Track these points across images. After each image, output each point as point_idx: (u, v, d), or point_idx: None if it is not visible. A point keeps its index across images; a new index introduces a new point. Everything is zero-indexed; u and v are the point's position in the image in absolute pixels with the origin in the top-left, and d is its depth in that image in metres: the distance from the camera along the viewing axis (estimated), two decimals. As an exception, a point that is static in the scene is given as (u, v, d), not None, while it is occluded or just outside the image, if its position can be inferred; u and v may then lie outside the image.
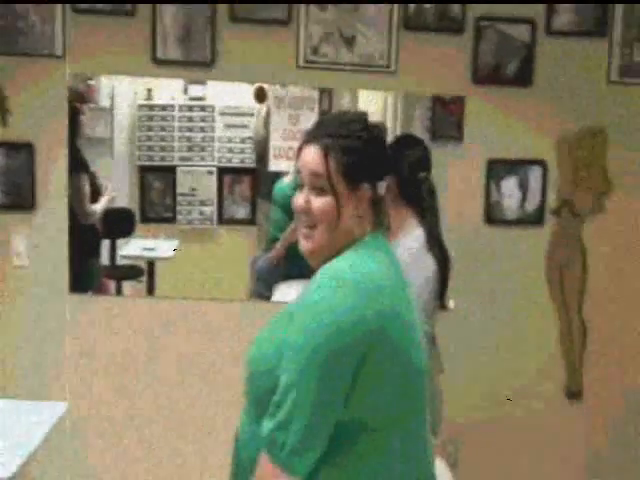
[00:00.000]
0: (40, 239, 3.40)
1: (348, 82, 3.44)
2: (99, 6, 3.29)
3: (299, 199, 1.75)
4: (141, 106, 3.63)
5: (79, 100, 3.51)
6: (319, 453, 1.59)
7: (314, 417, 1.56)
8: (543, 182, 3.54)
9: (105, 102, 3.62)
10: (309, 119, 3.41)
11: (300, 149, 1.77)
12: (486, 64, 3.45)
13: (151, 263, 3.71)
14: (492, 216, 3.55)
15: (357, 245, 1.71)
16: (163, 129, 3.65)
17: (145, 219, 3.65)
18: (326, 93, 3.50)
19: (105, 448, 3.50)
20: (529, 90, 3.48)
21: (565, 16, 3.45)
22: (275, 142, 3.52)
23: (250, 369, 1.75)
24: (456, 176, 3.44)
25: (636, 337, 3.67)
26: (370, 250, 1.70)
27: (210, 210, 3.67)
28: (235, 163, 3.67)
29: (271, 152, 3.53)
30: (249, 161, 3.68)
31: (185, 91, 3.64)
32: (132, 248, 3.71)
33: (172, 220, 3.66)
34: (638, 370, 3.69)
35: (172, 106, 3.65)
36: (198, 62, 3.36)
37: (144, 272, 3.72)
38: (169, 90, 3.64)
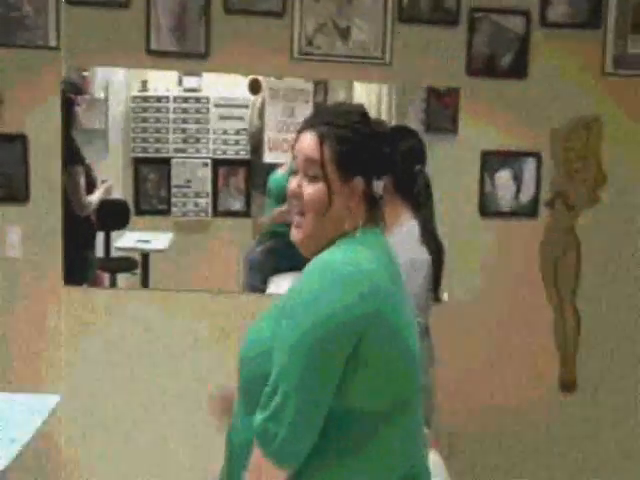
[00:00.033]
0: (34, 231, 3.40)
1: (342, 74, 3.44)
2: (93, -3, 3.29)
3: (292, 183, 1.76)
4: (135, 97, 3.63)
5: (73, 91, 3.51)
6: (311, 444, 1.59)
7: (305, 407, 1.57)
8: (537, 174, 3.55)
9: (99, 93, 3.62)
10: (304, 111, 3.41)
11: (297, 136, 1.78)
12: (480, 56, 3.45)
13: (145, 255, 3.71)
14: (486, 208, 3.55)
15: (348, 238, 1.72)
16: (158, 121, 3.64)
17: (140, 211, 3.65)
18: (321, 85, 3.50)
19: (99, 440, 3.50)
20: (524, 82, 3.48)
21: (559, 7, 3.45)
22: (270, 134, 3.51)
23: (243, 360, 1.75)
24: (450, 168, 3.44)
25: (630, 328, 3.68)
26: (362, 243, 1.70)
27: (205, 202, 3.67)
28: (230, 155, 3.67)
29: (266, 144, 3.53)
30: (244, 153, 3.68)
31: (180, 83, 3.64)
32: (127, 240, 3.71)
33: (167, 212, 3.66)
34: (631, 362, 3.70)
35: (167, 98, 3.64)
36: (193, 54, 3.35)
37: (139, 264, 3.72)
38: (164, 82, 3.64)
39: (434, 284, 2.72)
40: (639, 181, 3.60)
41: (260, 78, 3.51)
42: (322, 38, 3.37)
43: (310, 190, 1.72)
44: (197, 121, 3.65)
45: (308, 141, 1.73)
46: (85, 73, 3.56)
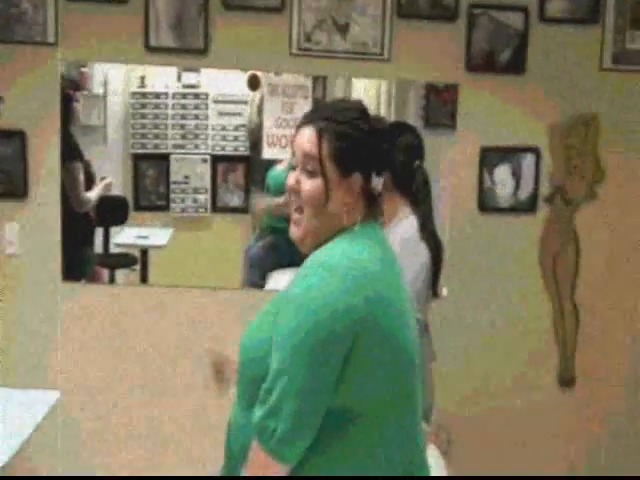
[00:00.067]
0: (32, 227, 3.39)
1: (341, 69, 3.44)
2: (91, -7, 3.29)
3: (291, 178, 1.76)
4: (134, 94, 3.62)
5: (72, 87, 3.50)
6: (309, 441, 1.60)
7: (304, 403, 1.57)
8: (536, 170, 3.55)
9: (98, 89, 3.61)
10: (303, 107, 3.41)
11: (296, 131, 1.78)
12: (479, 51, 3.44)
13: (144, 251, 3.70)
14: (485, 204, 3.55)
15: (346, 233, 1.71)
16: (156, 117, 3.64)
17: (138, 207, 3.65)
18: (320, 81, 3.50)
19: (98, 436, 3.50)
20: (522, 77, 3.48)
21: (558, 3, 3.44)
22: (269, 130, 3.51)
23: (242, 357, 1.76)
24: (449, 164, 3.45)
25: (629, 323, 3.68)
26: (360, 238, 1.70)
27: (204, 198, 3.67)
28: (229, 151, 3.67)
29: (265, 140, 3.53)
30: (243, 149, 3.68)
31: (179, 79, 3.63)
32: (125, 236, 3.71)
33: (166, 208, 3.65)
34: (630, 357, 3.70)
35: (165, 94, 3.64)
36: (191, 49, 3.35)
37: (137, 260, 3.71)
38: (162, 78, 3.63)
39: (433, 280, 2.72)
40: (637, 176, 3.60)
41: (259, 74, 3.50)
42: (321, 34, 3.37)
43: (308, 186, 1.72)
44: (196, 117, 3.64)
45: (307, 136, 1.73)
46: (84, 69, 3.55)
